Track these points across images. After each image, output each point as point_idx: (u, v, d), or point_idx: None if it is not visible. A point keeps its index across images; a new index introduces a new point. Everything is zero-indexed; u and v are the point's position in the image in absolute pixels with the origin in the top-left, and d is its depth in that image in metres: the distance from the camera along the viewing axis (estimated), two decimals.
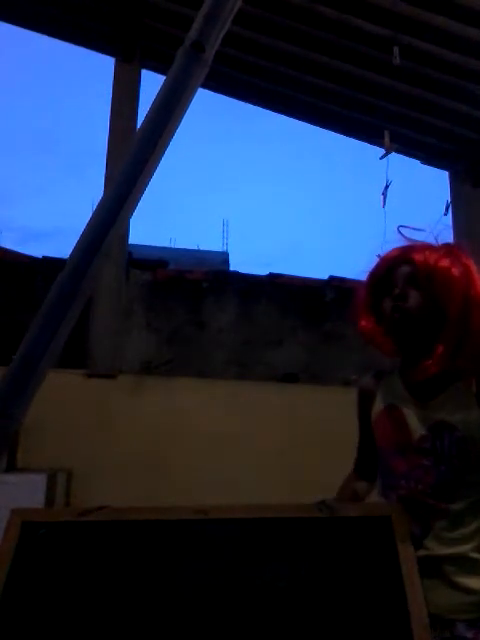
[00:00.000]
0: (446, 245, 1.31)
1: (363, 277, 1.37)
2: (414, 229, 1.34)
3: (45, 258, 3.52)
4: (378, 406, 1.34)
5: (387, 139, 3.12)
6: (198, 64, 1.22)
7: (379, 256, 1.35)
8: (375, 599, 1.11)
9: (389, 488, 1.28)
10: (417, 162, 4.56)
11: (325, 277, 3.95)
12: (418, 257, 1.25)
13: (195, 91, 1.25)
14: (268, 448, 3.19)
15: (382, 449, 1.32)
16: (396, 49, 3.18)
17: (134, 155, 1.18)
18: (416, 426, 1.24)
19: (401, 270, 1.27)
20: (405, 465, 1.25)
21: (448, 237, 1.36)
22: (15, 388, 1.01)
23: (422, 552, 1.18)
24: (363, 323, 1.34)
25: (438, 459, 1.20)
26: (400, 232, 1.33)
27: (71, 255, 1.10)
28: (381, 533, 1.18)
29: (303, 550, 1.19)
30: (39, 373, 1.02)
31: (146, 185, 1.18)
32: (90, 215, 1.15)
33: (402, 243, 1.33)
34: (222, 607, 1.12)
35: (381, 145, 3.23)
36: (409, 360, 1.30)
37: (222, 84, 4.11)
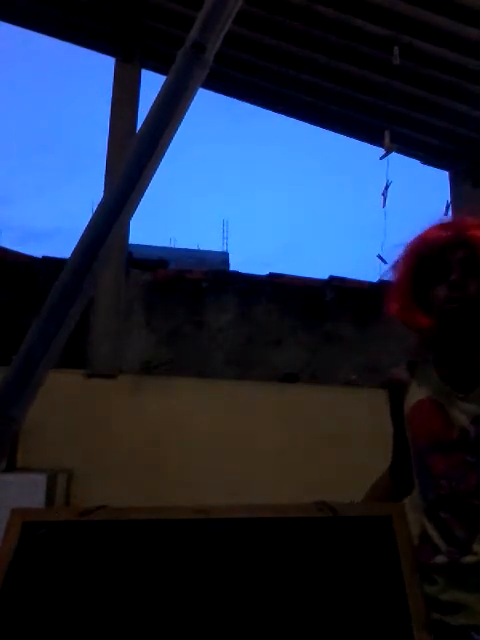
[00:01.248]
0: None
1: (400, 259, 1.23)
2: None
3: (45, 258, 3.52)
4: (412, 399, 1.23)
5: (387, 139, 3.12)
6: (198, 65, 1.23)
7: (422, 235, 1.20)
8: (375, 599, 1.11)
9: (427, 488, 1.18)
10: (417, 162, 4.56)
11: (325, 277, 3.94)
12: (475, 240, 1.12)
13: (195, 92, 1.25)
14: (268, 448, 3.19)
15: (418, 446, 1.21)
16: (396, 49, 3.19)
17: (134, 156, 1.18)
18: (456, 420, 1.14)
19: (457, 253, 1.14)
20: (444, 463, 1.14)
21: None
22: (15, 390, 1.01)
23: (471, 558, 1.09)
24: (418, 318, 1.19)
25: None
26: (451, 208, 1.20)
27: (72, 255, 1.10)
28: (381, 533, 1.18)
29: (303, 550, 1.19)
30: (39, 375, 1.02)
31: (147, 185, 1.18)
32: (91, 215, 1.15)
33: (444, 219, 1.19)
34: (222, 607, 1.12)
35: (381, 145, 3.23)
36: (452, 351, 1.18)
37: (222, 84, 4.11)
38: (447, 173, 4.55)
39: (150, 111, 1.22)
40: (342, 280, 3.88)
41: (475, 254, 1.12)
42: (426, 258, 1.18)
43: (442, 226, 1.19)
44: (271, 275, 3.86)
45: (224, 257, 14.76)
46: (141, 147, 1.19)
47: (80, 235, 1.11)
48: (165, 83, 1.23)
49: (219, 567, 1.18)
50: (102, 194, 1.22)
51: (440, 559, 1.13)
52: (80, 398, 3.13)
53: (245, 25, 3.52)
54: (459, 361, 1.18)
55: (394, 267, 1.23)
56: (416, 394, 1.23)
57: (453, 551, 1.11)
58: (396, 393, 1.28)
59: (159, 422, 3.16)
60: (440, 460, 1.15)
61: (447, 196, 4.38)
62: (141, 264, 3.66)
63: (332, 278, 3.92)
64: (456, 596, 1.09)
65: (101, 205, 1.14)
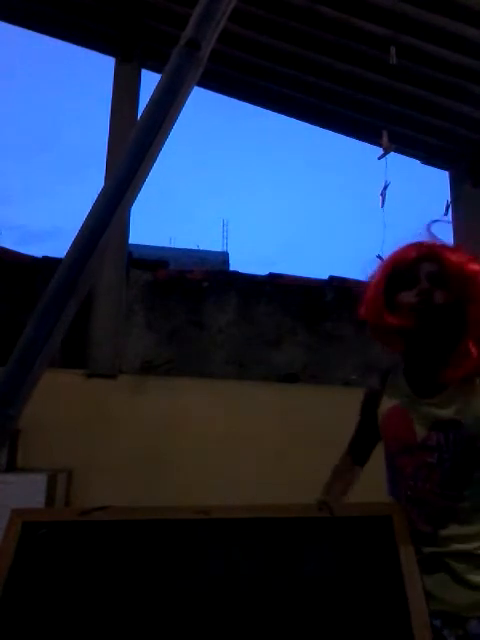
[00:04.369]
0: (465, 249, 1.31)
1: (375, 272, 1.35)
2: (441, 221, 1.35)
3: (45, 258, 3.52)
4: (384, 406, 1.34)
5: (385, 139, 3.12)
6: (194, 62, 1.22)
7: (397, 251, 1.33)
8: (376, 598, 1.11)
9: (397, 489, 1.29)
10: (417, 162, 4.56)
11: (325, 277, 3.95)
12: (449, 257, 1.25)
13: (191, 89, 1.24)
14: (268, 448, 3.19)
15: (390, 450, 1.33)
16: (393, 48, 3.18)
17: (130, 153, 1.18)
18: (421, 424, 1.25)
19: (425, 267, 1.26)
20: (411, 464, 1.25)
21: (447, 237, 1.38)
22: (11, 387, 1.01)
23: (429, 549, 1.20)
24: (387, 317, 1.29)
25: (442, 456, 1.20)
26: (429, 229, 1.33)
27: (67, 255, 1.10)
28: (381, 533, 1.18)
29: (304, 550, 1.19)
30: (35, 371, 1.01)
31: (142, 183, 1.18)
32: (86, 214, 1.15)
33: (418, 239, 1.32)
34: (222, 606, 1.12)
35: (381, 145, 3.22)
36: (420, 358, 1.29)
37: (223, 84, 4.11)
38: (447, 173, 4.55)
39: (145, 110, 1.22)
40: (342, 280, 3.88)
41: (442, 269, 1.25)
42: (398, 270, 1.29)
43: (415, 244, 1.31)
44: (271, 275, 3.86)
45: (224, 257, 14.74)
46: (136, 145, 1.18)
47: (75, 234, 1.11)
48: (160, 81, 1.22)
49: (219, 567, 1.18)
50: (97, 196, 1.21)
51: None
52: (80, 398, 3.13)
53: (246, 25, 3.52)
54: (424, 369, 1.28)
55: (369, 279, 1.36)
56: (387, 402, 1.34)
57: (417, 546, 1.19)
58: (371, 401, 1.40)
59: (159, 422, 3.16)
60: (408, 462, 1.26)
61: (447, 196, 4.39)
62: (141, 264, 3.66)
63: (332, 278, 3.92)
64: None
65: (96, 205, 1.13)
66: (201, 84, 4.05)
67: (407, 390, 1.30)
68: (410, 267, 1.28)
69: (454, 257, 1.25)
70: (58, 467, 2.88)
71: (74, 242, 1.10)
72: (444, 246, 1.30)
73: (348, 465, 1.50)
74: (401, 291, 1.27)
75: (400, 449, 1.28)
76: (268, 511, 1.25)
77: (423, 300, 1.23)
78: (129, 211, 3.56)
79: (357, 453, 1.50)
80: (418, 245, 1.31)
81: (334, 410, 3.17)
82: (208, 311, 3.67)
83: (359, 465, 1.50)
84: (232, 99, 4.29)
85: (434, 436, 1.22)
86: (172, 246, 14.35)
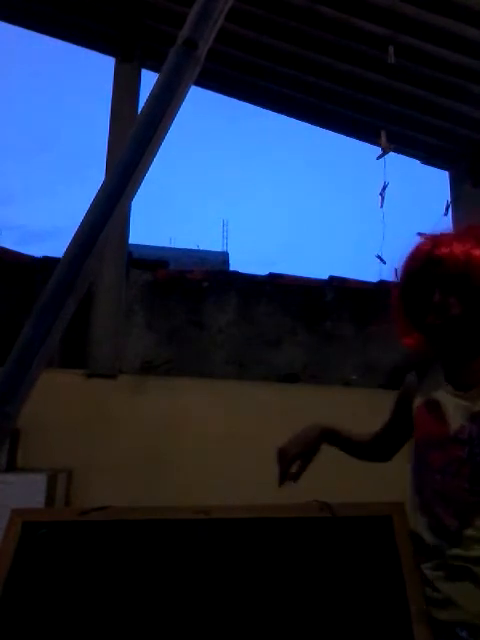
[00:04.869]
0: (471, 229, 1.25)
1: (396, 277, 1.30)
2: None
3: (45, 258, 3.52)
4: (419, 400, 1.31)
5: (383, 139, 3.13)
6: (191, 61, 1.22)
7: (411, 252, 1.27)
8: (375, 598, 1.11)
9: (424, 483, 1.24)
10: (417, 162, 4.56)
11: (325, 277, 3.95)
12: (447, 256, 1.18)
13: (188, 88, 1.24)
14: (268, 448, 3.18)
15: (420, 443, 1.28)
16: (391, 48, 3.19)
17: (127, 153, 1.18)
18: (454, 417, 1.20)
19: (434, 274, 1.20)
20: (441, 458, 1.20)
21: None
22: (10, 386, 1.01)
23: (454, 551, 1.13)
24: (405, 339, 1.29)
25: (473, 450, 1.16)
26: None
27: (65, 252, 1.10)
28: (381, 533, 1.18)
29: (303, 550, 1.19)
30: (34, 370, 1.01)
31: (143, 177, 1.18)
32: (83, 214, 1.15)
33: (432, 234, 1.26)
34: (222, 606, 1.12)
35: (380, 145, 3.23)
36: (453, 358, 1.26)
37: (223, 84, 4.11)
38: (447, 173, 4.55)
39: (143, 109, 1.22)
40: (342, 280, 3.88)
41: (450, 273, 1.18)
42: (412, 275, 1.25)
43: (425, 241, 1.25)
44: (271, 275, 3.86)
45: (224, 257, 14.73)
46: (134, 145, 1.18)
47: (73, 235, 1.11)
48: (158, 81, 1.22)
49: (219, 567, 1.18)
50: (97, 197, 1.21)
51: (428, 552, 1.16)
52: (80, 398, 3.13)
53: (246, 25, 3.52)
54: (459, 363, 1.25)
55: (393, 286, 1.32)
56: (422, 395, 1.30)
57: (441, 543, 1.15)
58: (405, 397, 1.36)
59: (159, 422, 3.16)
60: (438, 456, 1.21)
61: (447, 196, 4.38)
62: (141, 264, 3.66)
63: (332, 278, 3.92)
64: (444, 591, 1.12)
65: (93, 205, 1.13)
66: (201, 84, 4.06)
67: (443, 382, 1.26)
68: (421, 280, 1.22)
69: (451, 253, 1.18)
70: (58, 467, 2.88)
71: (74, 238, 1.10)
72: (443, 241, 1.22)
73: (363, 437, 1.51)
74: (422, 310, 1.23)
75: (431, 443, 1.23)
76: (268, 511, 1.26)
77: (439, 315, 1.19)
78: (129, 208, 3.58)
79: (379, 443, 1.49)
80: (426, 241, 1.25)
81: (334, 410, 3.16)
82: (208, 311, 3.67)
83: (379, 459, 1.51)
84: (232, 99, 4.29)
85: (466, 430, 1.17)
86: (172, 246, 14.33)
